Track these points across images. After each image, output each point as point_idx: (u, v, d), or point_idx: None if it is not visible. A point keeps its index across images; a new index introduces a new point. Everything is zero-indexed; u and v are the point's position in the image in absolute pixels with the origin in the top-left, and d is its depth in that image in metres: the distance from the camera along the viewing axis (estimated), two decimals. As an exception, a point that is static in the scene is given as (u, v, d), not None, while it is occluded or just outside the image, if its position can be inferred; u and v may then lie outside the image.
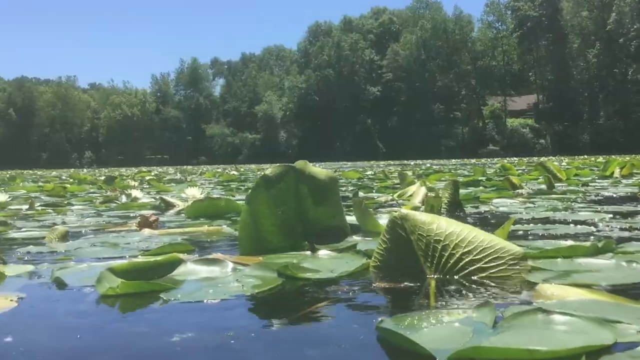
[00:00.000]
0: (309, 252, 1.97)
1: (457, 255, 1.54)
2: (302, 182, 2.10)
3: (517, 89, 63.03)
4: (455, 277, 1.52)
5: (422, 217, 1.61)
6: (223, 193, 6.23)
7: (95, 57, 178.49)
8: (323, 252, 1.93)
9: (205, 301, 1.34)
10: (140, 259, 1.67)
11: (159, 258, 1.65)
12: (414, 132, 59.37)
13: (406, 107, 61.95)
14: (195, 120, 73.59)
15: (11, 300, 1.38)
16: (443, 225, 1.58)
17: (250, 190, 2.17)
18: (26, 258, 2.10)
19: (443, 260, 1.55)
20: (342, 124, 63.75)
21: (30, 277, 1.75)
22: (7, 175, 17.08)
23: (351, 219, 3.08)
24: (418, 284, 1.48)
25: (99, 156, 71.98)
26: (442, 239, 1.56)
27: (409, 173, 7.78)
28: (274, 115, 68.37)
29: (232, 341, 1.04)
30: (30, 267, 1.89)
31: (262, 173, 2.15)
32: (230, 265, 1.67)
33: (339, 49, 66.69)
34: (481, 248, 1.54)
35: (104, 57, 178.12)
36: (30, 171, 31.96)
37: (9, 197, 5.60)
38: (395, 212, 1.63)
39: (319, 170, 2.19)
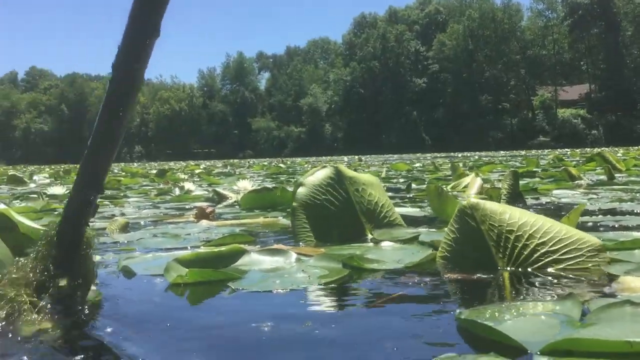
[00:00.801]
0: (370, 244, 1.94)
1: (531, 247, 1.49)
2: (347, 182, 2.17)
3: (569, 79, 61.37)
4: (529, 269, 1.46)
5: (493, 206, 1.56)
6: (274, 185, 6.25)
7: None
8: (386, 244, 1.89)
9: (273, 291, 1.33)
10: (205, 250, 1.67)
11: (223, 249, 1.64)
12: (461, 123, 58.53)
13: (453, 99, 61.11)
14: (241, 114, 74.27)
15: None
16: (516, 215, 1.52)
17: (300, 187, 2.19)
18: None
19: (516, 251, 1.49)
20: (387, 116, 63.32)
21: (97, 267, 1.76)
22: (62, 170, 17.57)
23: (401, 210, 3.07)
24: (491, 275, 1.43)
25: (148, 150, 73.45)
26: (514, 229, 1.50)
27: (460, 165, 7.64)
28: (319, 108, 68.41)
29: (317, 331, 1.02)
30: (96, 257, 1.92)
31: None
32: (294, 255, 1.65)
33: (384, 41, 66.17)
34: (557, 239, 1.48)
35: (152, 53, 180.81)
36: (84, 165, 32.68)
37: (66, 190, 5.75)
38: (465, 201, 1.58)
39: (360, 174, 2.29)
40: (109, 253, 2.02)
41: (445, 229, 1.73)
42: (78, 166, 1.08)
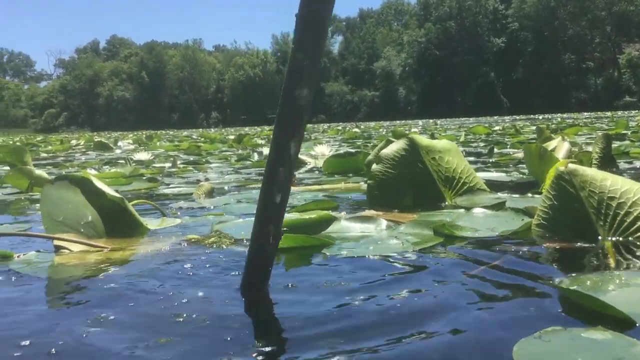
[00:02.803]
0: (462, 210, 1.90)
1: (635, 214, 1.41)
2: (422, 151, 2.14)
3: (659, 35, 57.59)
4: (630, 238, 1.39)
5: (593, 172, 1.49)
6: (351, 150, 6.24)
7: (219, 19, 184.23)
8: (478, 210, 1.85)
9: (367, 256, 1.33)
10: (296, 216, 1.68)
11: (313, 215, 1.65)
12: (541, 84, 56.28)
13: (533, 58, 58.74)
14: (315, 79, 74.09)
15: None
16: (618, 182, 1.45)
17: (375, 163, 2.19)
18: (178, 214, 2.19)
19: (618, 219, 1.42)
20: (463, 78, 61.67)
21: (188, 230, 1.82)
22: (145, 136, 18.22)
23: (485, 175, 3.01)
24: (592, 244, 1.37)
25: (224, 116, 74.84)
26: (617, 196, 1.43)
27: (545, 127, 7.36)
28: (392, 72, 67.42)
29: (415, 299, 1.01)
30: (188, 220, 1.98)
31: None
32: (384, 222, 1.64)
33: (461, 0, 64.06)
34: (664, 207, 1.40)
35: (227, 19, 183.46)
36: (163, 131, 33.85)
37: (151, 156, 5.96)
38: (563, 166, 1.51)
39: (435, 141, 2.24)
40: (199, 217, 2.07)
41: (541, 195, 1.67)
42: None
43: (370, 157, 3.20)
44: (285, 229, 1.14)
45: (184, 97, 76.49)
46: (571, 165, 1.50)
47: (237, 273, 1.22)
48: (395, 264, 1.28)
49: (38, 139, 22.81)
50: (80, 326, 0.95)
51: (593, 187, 1.45)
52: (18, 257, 1.49)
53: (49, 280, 1.30)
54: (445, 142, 2.31)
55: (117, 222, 1.75)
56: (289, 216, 1.86)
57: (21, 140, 19.55)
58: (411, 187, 2.15)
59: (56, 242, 1.55)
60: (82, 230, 1.66)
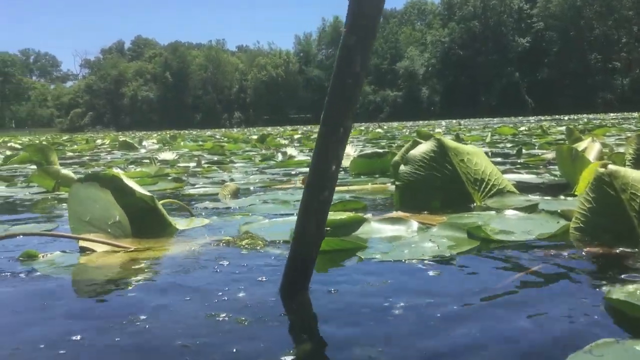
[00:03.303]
0: (493, 212, 1.86)
1: (680, 218, 1.35)
2: (450, 153, 2.11)
3: (689, 34, 56.45)
4: (676, 243, 1.34)
5: (635, 174, 1.43)
6: (379, 150, 6.19)
7: (242, 20, 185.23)
8: (510, 212, 1.80)
9: (404, 261, 1.29)
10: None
11: (344, 216, 1.62)
12: (567, 84, 55.53)
13: (558, 58, 57.96)
14: (337, 79, 74.07)
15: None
16: (662, 184, 1.39)
17: (403, 165, 2.15)
18: (203, 214, 2.17)
19: (662, 223, 1.36)
20: (487, 78, 61.08)
21: (217, 231, 1.79)
22: (169, 135, 18.34)
23: (515, 177, 2.95)
24: (635, 249, 1.32)
25: (246, 116, 75.05)
26: (661, 199, 1.37)
27: (574, 128, 7.24)
28: (415, 72, 67.05)
29: (454, 306, 0.97)
30: (215, 220, 1.96)
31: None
32: (415, 224, 1.60)
33: (485, -1, 63.54)
34: None
35: (250, 20, 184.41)
36: (186, 131, 34.08)
37: (176, 156, 5.97)
38: (603, 168, 1.46)
39: (462, 145, 2.21)
40: (225, 217, 2.05)
41: (574, 197, 1.62)
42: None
43: (396, 157, 3.16)
44: (328, 228, 1.10)
45: (207, 97, 76.91)
46: (612, 167, 1.45)
47: (274, 275, 1.19)
48: (432, 268, 1.24)
49: (64, 138, 23.13)
50: (108, 329, 0.93)
51: (635, 190, 1.40)
52: (43, 257, 1.48)
53: (71, 282, 1.29)
54: (472, 147, 2.29)
55: (146, 221, 1.74)
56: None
57: (47, 139, 19.83)
58: (439, 188, 2.11)
59: (81, 243, 1.54)
60: (109, 230, 1.65)
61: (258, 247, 1.47)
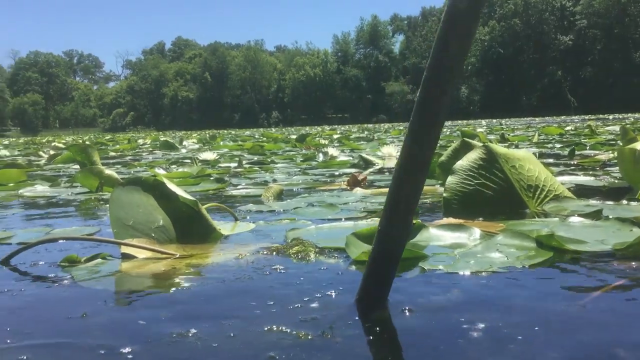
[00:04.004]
0: (555, 219, 1.73)
1: None
2: (500, 160, 2.00)
3: None
4: None
5: None
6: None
7: (280, 20, 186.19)
8: (575, 220, 1.67)
9: (470, 273, 1.18)
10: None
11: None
12: (612, 83, 54.14)
13: (602, 56, 56.58)
14: (375, 78, 73.83)
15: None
16: None
17: (450, 175, 2.05)
18: (248, 217, 2.09)
19: None
20: (528, 77, 60.04)
21: (264, 237, 1.71)
22: (208, 135, 18.47)
23: (571, 179, 2.81)
24: None
25: (284, 116, 75.39)
26: None
27: (630, 128, 6.97)
28: (454, 71, 66.27)
29: (536, 327, 0.86)
30: (261, 224, 1.88)
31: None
32: (478, 231, 1.49)
33: (526, -3, 62.38)
34: None
35: (288, 20, 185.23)
36: (225, 131, 34.36)
37: (216, 155, 5.94)
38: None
39: (512, 150, 2.10)
40: (271, 221, 1.97)
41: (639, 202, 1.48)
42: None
43: (442, 158, 3.03)
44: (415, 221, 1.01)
45: (245, 97, 77.49)
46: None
47: (339, 287, 1.10)
48: (504, 281, 1.12)
49: (107, 137, 23.52)
50: (156, 345, 0.85)
51: None
52: (83, 262, 1.42)
53: (114, 290, 1.22)
54: (523, 152, 2.16)
55: (190, 226, 1.66)
56: (370, 223, 1.73)
57: (90, 139, 20.19)
58: (489, 197, 1.99)
59: (123, 249, 1.47)
60: (153, 235, 1.58)
61: (311, 255, 1.38)
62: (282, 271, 1.25)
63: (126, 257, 1.45)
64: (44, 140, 23.20)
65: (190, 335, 0.89)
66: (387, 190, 2.51)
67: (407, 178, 0.90)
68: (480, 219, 1.80)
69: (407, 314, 0.95)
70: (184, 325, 0.93)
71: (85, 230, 1.91)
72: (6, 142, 23.71)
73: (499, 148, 2.06)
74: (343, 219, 1.95)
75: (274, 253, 1.43)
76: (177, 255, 1.45)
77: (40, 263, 1.46)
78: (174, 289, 1.17)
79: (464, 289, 1.08)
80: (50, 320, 1.03)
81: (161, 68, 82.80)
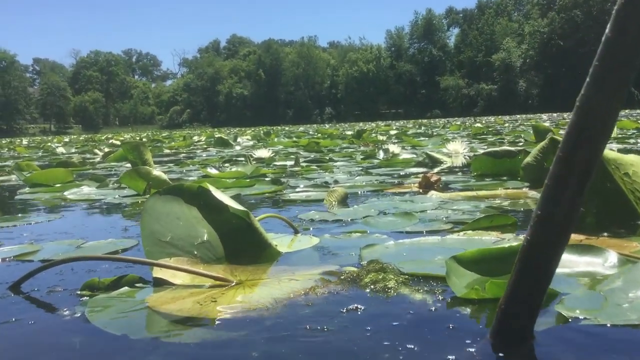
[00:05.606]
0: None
1: None
2: (610, 167, 1.63)
3: None
4: None
5: None
6: (484, 147, 5.63)
7: (333, 16, 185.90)
8: None
9: (627, 326, 0.82)
10: (476, 241, 1.21)
11: (514, 244, 1.16)
12: (681, 74, 51.46)
13: (671, 47, 53.86)
14: (429, 73, 72.58)
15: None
16: None
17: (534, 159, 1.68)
18: (311, 229, 1.77)
19: None
20: (589, 70, 57.70)
21: (331, 256, 1.39)
22: (262, 131, 18.31)
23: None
24: None
25: (338, 111, 74.96)
26: None
27: None
28: (512, 64, 64.44)
29: None
30: (327, 238, 1.56)
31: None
32: (614, 256, 1.12)
33: (588, -14, 60.07)
34: None
35: (342, 15, 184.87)
36: (279, 127, 34.21)
37: (271, 153, 5.67)
38: None
39: (623, 155, 1.70)
40: (338, 234, 1.65)
41: None
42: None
43: (528, 159, 2.64)
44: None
45: (298, 93, 77.46)
46: None
47: (449, 328, 0.77)
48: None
49: (163, 135, 23.76)
50: None
51: None
52: (103, 289, 1.14)
53: (128, 336, 0.91)
54: (634, 156, 1.76)
55: (240, 242, 1.36)
56: (461, 238, 1.39)
57: (147, 136, 20.38)
58: (596, 207, 1.62)
59: (155, 273, 1.17)
60: (195, 252, 1.29)
61: (391, 285, 1.05)
62: (364, 308, 0.93)
63: (159, 282, 1.16)
64: (102, 138, 23.61)
65: None
66: (468, 193, 2.14)
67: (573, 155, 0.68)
68: (605, 234, 1.43)
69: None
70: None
71: (123, 244, 1.64)
72: (66, 140, 24.25)
73: (610, 152, 1.67)
74: (424, 232, 1.62)
75: (344, 281, 1.10)
76: (234, 283, 1.14)
77: (58, 289, 1.18)
78: (209, 339, 0.86)
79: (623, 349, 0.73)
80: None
81: (216, 66, 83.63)
